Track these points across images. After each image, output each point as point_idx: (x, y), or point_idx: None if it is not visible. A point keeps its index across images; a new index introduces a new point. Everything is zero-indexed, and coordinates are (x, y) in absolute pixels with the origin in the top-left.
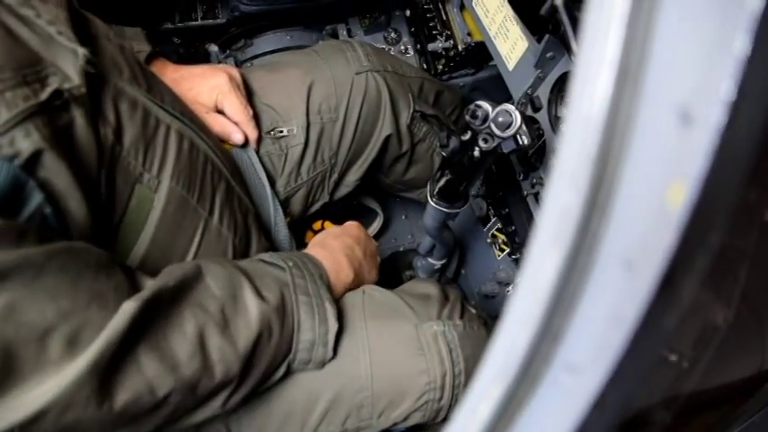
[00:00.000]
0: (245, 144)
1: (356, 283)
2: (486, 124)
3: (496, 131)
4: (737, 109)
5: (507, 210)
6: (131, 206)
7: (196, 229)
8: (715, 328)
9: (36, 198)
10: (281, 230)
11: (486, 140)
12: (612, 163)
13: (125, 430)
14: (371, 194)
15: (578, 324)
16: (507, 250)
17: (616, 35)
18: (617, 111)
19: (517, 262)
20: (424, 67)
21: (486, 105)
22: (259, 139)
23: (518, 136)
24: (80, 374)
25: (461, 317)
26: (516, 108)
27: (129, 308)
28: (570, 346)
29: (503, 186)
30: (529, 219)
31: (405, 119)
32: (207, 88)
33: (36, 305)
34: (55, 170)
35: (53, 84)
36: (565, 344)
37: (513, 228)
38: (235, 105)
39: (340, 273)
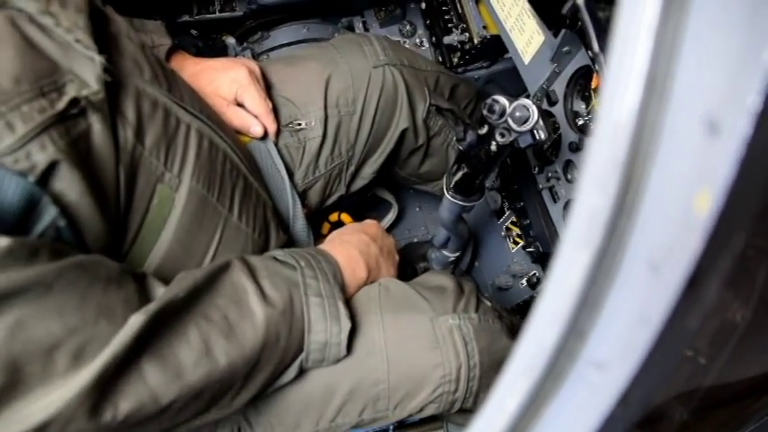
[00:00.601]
0: (264, 137)
1: (371, 281)
2: (504, 119)
3: (513, 126)
4: (764, 119)
5: (522, 203)
6: (153, 205)
7: (216, 226)
8: (734, 325)
9: (50, 213)
10: (300, 223)
11: (503, 135)
12: (640, 168)
13: None
14: (386, 186)
15: (604, 323)
16: (521, 243)
17: (645, 45)
18: (645, 118)
19: (531, 255)
20: (439, 59)
21: (503, 100)
22: (278, 132)
23: (535, 130)
24: (84, 387)
25: (476, 310)
26: (533, 102)
27: (135, 321)
28: (596, 344)
29: (518, 180)
30: (543, 212)
31: (421, 112)
32: (227, 81)
33: (44, 322)
34: (69, 180)
35: (70, 92)
36: (591, 341)
37: (528, 221)
38: (254, 98)
39: (356, 270)
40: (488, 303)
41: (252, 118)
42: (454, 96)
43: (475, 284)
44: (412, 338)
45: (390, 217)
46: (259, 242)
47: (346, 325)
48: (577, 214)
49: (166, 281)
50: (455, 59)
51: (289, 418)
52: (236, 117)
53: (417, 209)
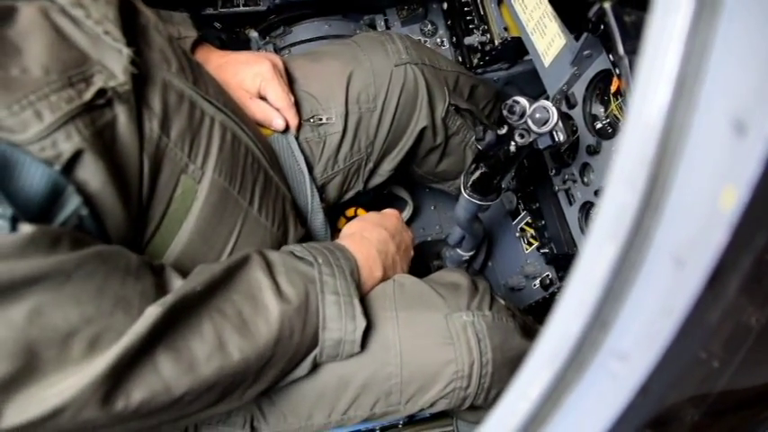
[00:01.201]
0: (286, 130)
1: (385, 278)
2: (523, 120)
3: (533, 127)
4: None
5: (537, 204)
6: (176, 196)
7: (237, 219)
8: (749, 329)
9: (73, 202)
10: (318, 217)
11: (522, 135)
12: (667, 166)
13: (140, 423)
14: (402, 184)
15: (628, 314)
16: (535, 244)
17: (676, 48)
18: (674, 118)
19: (545, 256)
20: (459, 60)
21: (523, 101)
22: (299, 126)
23: (554, 132)
24: (98, 375)
25: (490, 308)
26: (552, 104)
27: (152, 313)
28: (619, 335)
29: (534, 181)
30: (559, 214)
31: (440, 112)
32: (250, 75)
33: (61, 310)
34: (93, 170)
35: (98, 82)
36: (614, 332)
37: (543, 222)
38: (277, 92)
39: (372, 269)
40: (502, 302)
41: (274, 111)
42: (473, 97)
43: (488, 283)
44: (426, 334)
45: (405, 214)
46: (277, 235)
47: (361, 323)
48: (605, 209)
49: (186, 272)
50: (475, 60)
51: (302, 410)
52: (258, 110)
53: (432, 207)
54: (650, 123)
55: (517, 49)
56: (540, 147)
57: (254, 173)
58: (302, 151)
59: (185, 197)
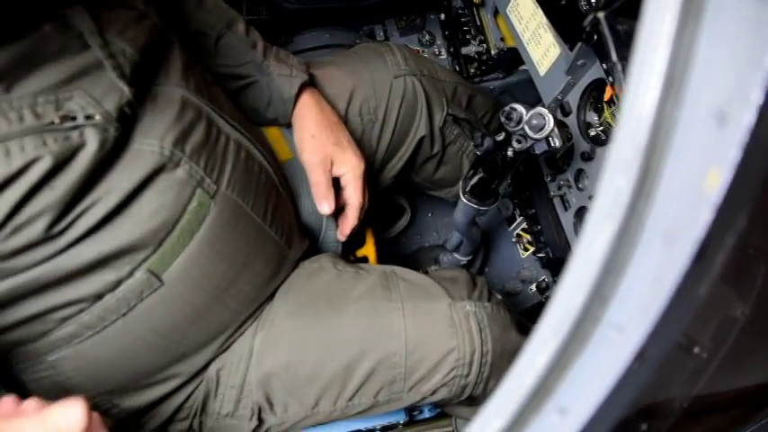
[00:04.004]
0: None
1: None
2: (520, 126)
3: (530, 133)
4: (766, 111)
5: (534, 210)
6: (190, 208)
7: (249, 233)
8: (734, 319)
9: None
10: (330, 232)
11: (519, 141)
12: (658, 154)
13: None
14: (400, 191)
15: (624, 288)
16: (532, 249)
17: (664, 50)
18: (663, 112)
19: (541, 260)
20: (456, 69)
21: (520, 108)
22: None
23: (550, 138)
24: None
25: (489, 300)
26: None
27: None
28: (617, 308)
29: (530, 187)
30: (554, 219)
31: (438, 121)
32: (344, 160)
33: None
34: None
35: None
36: (612, 306)
37: (539, 227)
38: (358, 193)
39: None
40: (499, 297)
41: (331, 196)
42: (471, 106)
43: (486, 279)
44: (430, 324)
45: (403, 222)
46: (284, 249)
47: None
48: (603, 193)
49: (196, 280)
50: (472, 69)
51: (308, 399)
52: (322, 182)
53: (429, 215)
54: (642, 116)
55: (513, 59)
56: (537, 152)
57: (266, 190)
58: None
59: (199, 210)
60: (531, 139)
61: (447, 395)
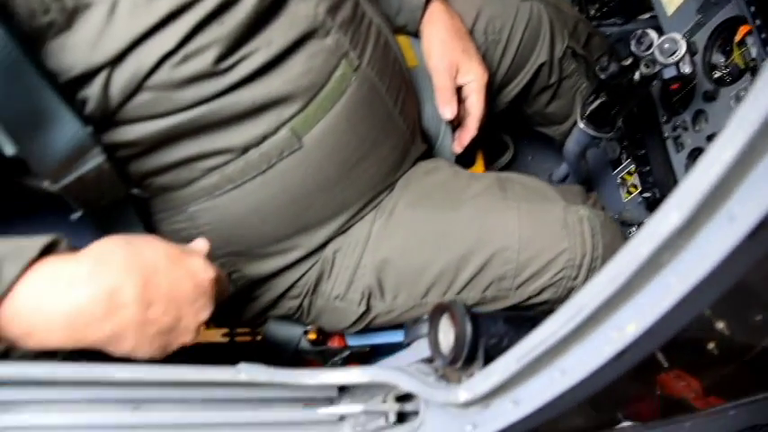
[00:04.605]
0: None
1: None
2: (650, 51)
3: (659, 58)
4: None
5: (644, 150)
6: (335, 76)
7: (381, 114)
8: None
9: (96, 159)
10: (447, 139)
11: (648, 66)
12: None
13: None
14: (506, 128)
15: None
16: (635, 192)
17: None
18: None
19: (646, 200)
20: (577, 8)
21: (652, 33)
22: None
23: (680, 64)
24: None
25: (602, 210)
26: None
27: None
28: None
29: (642, 128)
30: (665, 161)
31: (558, 51)
32: (469, 67)
33: None
34: None
35: None
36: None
37: (648, 168)
38: (480, 104)
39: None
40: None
41: (455, 102)
42: (589, 45)
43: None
44: (544, 224)
45: (506, 158)
46: (408, 141)
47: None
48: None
49: (330, 149)
50: (592, 11)
51: (419, 288)
52: (447, 85)
53: (530, 158)
54: None
55: (636, 3)
56: (666, 77)
57: (399, 80)
58: None
59: (342, 80)
60: (661, 63)
61: (552, 296)
